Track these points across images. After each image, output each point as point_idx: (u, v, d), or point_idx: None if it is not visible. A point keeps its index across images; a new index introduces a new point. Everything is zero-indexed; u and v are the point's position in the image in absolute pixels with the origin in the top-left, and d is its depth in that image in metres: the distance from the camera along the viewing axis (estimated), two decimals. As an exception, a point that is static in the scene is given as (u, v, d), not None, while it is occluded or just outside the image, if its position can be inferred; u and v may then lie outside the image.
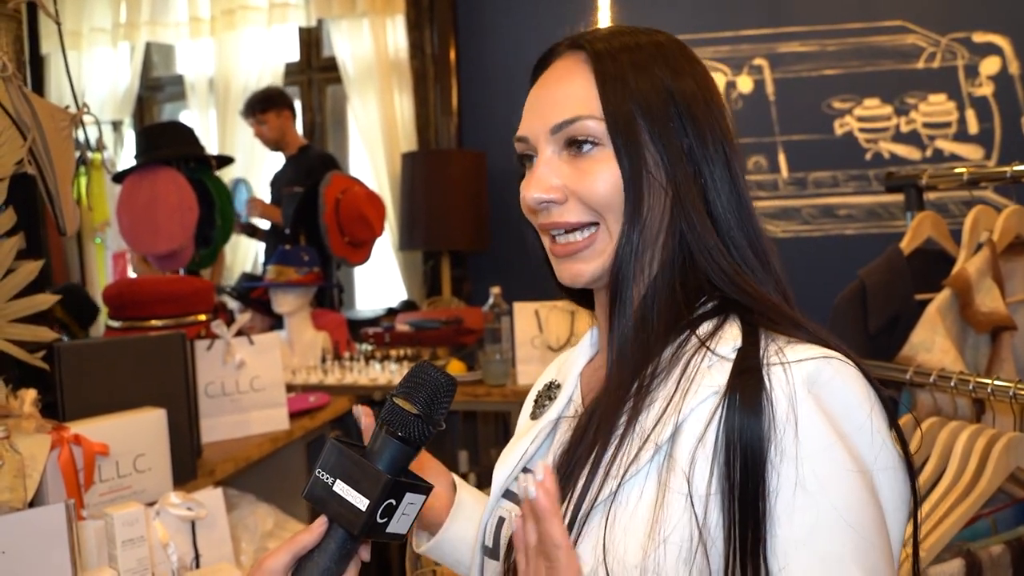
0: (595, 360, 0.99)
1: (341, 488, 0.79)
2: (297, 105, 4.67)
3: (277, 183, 4.09)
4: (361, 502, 0.78)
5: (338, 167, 4.06)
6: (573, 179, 0.84)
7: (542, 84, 0.89)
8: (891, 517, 0.75)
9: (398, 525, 0.82)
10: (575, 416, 0.91)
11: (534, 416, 0.98)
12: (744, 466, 0.73)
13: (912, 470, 0.79)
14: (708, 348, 0.80)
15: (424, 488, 0.83)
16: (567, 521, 0.78)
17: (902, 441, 0.79)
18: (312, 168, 3.91)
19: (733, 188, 0.85)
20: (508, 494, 0.95)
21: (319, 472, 0.80)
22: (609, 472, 0.78)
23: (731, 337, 0.80)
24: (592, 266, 0.86)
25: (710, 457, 0.74)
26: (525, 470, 0.94)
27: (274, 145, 4.06)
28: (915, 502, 0.78)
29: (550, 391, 0.99)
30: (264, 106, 3.99)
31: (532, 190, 0.86)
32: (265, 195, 4.23)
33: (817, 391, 0.74)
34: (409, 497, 0.81)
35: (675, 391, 0.78)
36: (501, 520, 0.94)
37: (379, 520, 0.79)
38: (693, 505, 0.74)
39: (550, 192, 0.85)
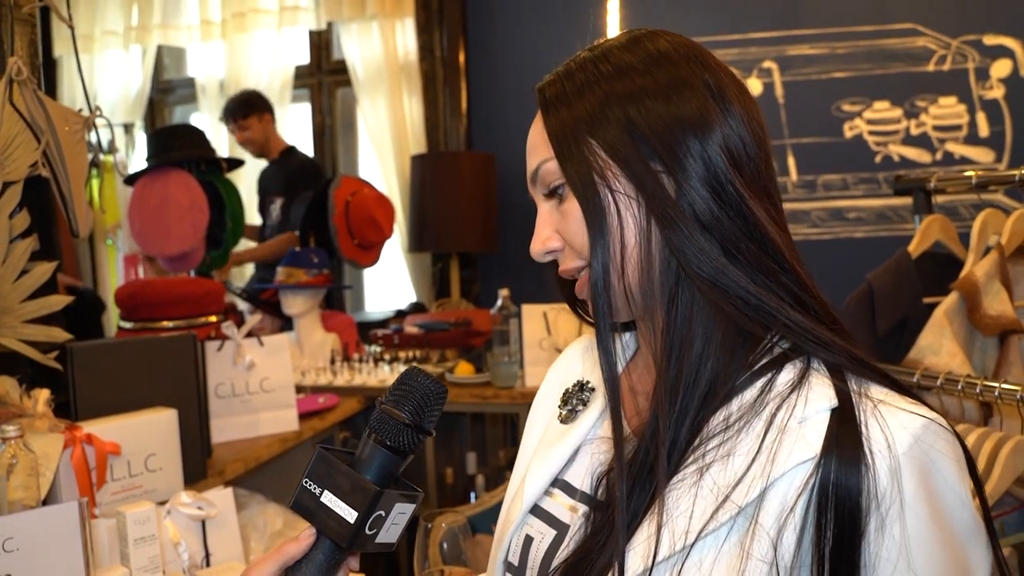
0: (637, 364, 0.92)
1: (329, 499, 0.77)
2: (307, 108, 4.70)
3: (263, 188, 4.08)
4: (349, 514, 0.76)
5: (320, 174, 4.06)
6: (561, 226, 0.83)
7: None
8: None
9: (387, 535, 0.80)
10: (608, 438, 0.85)
11: (564, 420, 0.92)
12: (839, 538, 0.69)
13: (992, 529, 0.76)
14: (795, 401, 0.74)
15: (414, 496, 0.81)
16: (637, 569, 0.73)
17: (982, 499, 0.77)
18: (293, 175, 3.89)
19: (727, 197, 0.77)
20: (535, 509, 0.89)
21: (306, 482, 0.79)
22: (676, 526, 0.73)
23: (822, 396, 0.73)
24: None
25: (799, 526, 0.70)
26: (554, 483, 0.89)
27: (259, 150, 4.01)
28: (996, 549, 0.76)
29: (582, 393, 0.93)
30: (246, 111, 3.93)
31: (532, 247, 0.85)
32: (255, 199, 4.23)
33: (919, 461, 0.70)
34: (399, 507, 0.80)
35: (759, 449, 0.72)
36: (528, 539, 0.88)
37: (368, 531, 0.78)
38: (778, 572, 0.70)
39: (546, 244, 0.84)
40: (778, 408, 0.74)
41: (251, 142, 3.98)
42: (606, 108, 0.79)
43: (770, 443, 0.72)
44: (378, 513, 0.78)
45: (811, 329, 0.76)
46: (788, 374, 0.76)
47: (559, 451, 0.90)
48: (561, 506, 0.87)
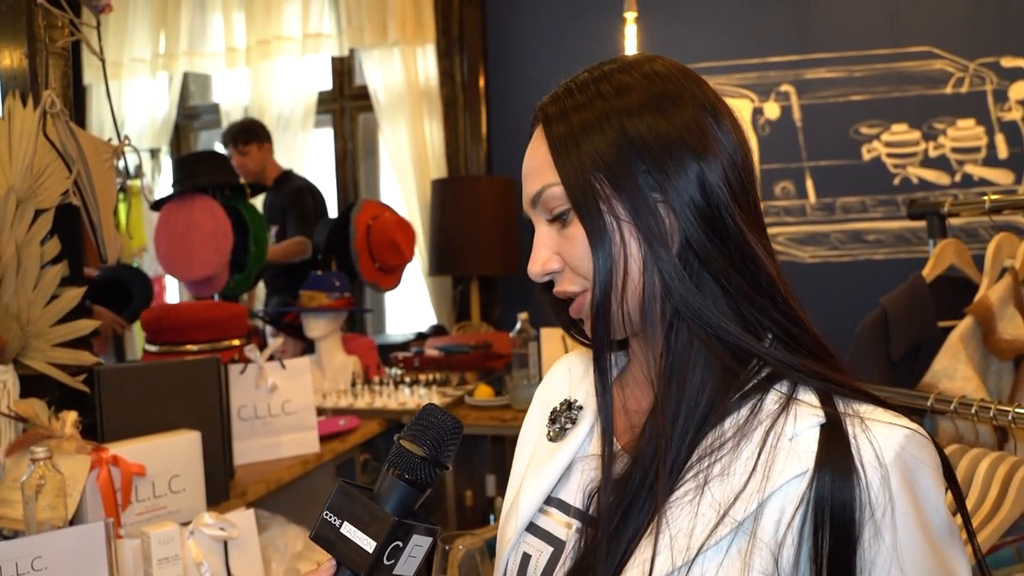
0: (625, 383, 0.93)
1: (348, 530, 0.80)
2: (329, 133, 4.76)
3: (266, 219, 4.12)
4: (368, 544, 0.79)
5: (317, 194, 4.08)
6: (563, 249, 0.84)
7: (525, 158, 0.89)
8: None
9: (405, 567, 0.82)
10: (599, 455, 0.86)
11: (553, 439, 0.94)
12: (835, 548, 0.72)
13: (966, 516, 0.81)
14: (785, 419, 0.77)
15: (431, 530, 0.83)
16: None
17: (957, 489, 0.81)
18: (286, 201, 3.93)
19: (726, 231, 0.79)
20: (531, 527, 0.92)
21: (327, 514, 0.81)
22: (676, 542, 0.75)
23: (810, 413, 0.77)
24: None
25: (796, 540, 0.73)
26: (547, 500, 0.92)
27: (254, 177, 4.04)
28: (973, 542, 0.79)
29: (570, 412, 0.96)
30: (247, 137, 4.01)
31: (530, 268, 0.86)
32: None
33: (904, 469, 0.73)
34: (416, 539, 0.81)
35: (755, 466, 0.75)
36: (526, 556, 0.91)
37: (386, 562, 0.80)
38: None
39: (546, 266, 0.85)
40: (770, 427, 0.77)
41: (246, 169, 4.01)
42: (606, 126, 0.80)
43: (764, 460, 0.75)
44: (396, 544, 0.80)
45: (796, 363, 0.79)
46: (776, 395, 0.79)
47: (550, 469, 0.92)
48: (557, 523, 0.90)
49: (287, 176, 4.11)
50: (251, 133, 4.02)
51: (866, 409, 0.77)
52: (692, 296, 0.79)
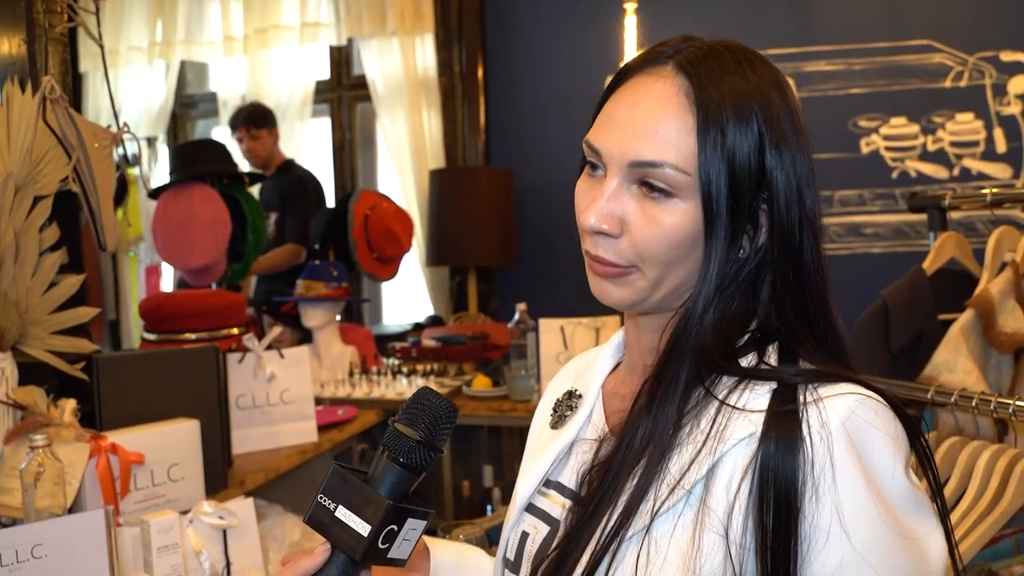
0: (619, 372, 0.97)
1: (343, 514, 0.79)
2: (327, 122, 4.75)
3: (263, 205, 4.10)
4: (363, 527, 0.78)
5: (317, 186, 4.08)
6: (636, 220, 0.80)
7: (632, 99, 0.81)
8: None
9: (399, 551, 0.82)
10: (596, 439, 0.89)
11: (554, 426, 0.97)
12: (777, 517, 0.72)
13: (941, 492, 0.79)
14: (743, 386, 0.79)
15: (425, 513, 0.83)
16: (599, 551, 0.78)
17: (930, 462, 0.80)
18: (289, 189, 3.93)
19: (806, 254, 0.82)
20: (531, 507, 0.95)
21: (321, 497, 0.81)
22: (642, 507, 0.77)
23: (767, 385, 0.78)
24: (620, 294, 0.84)
25: (744, 507, 0.74)
26: (547, 483, 0.94)
27: (262, 162, 4.04)
28: (945, 524, 0.78)
29: (570, 400, 0.97)
30: (260, 122, 4.01)
31: (591, 215, 0.81)
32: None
33: (852, 432, 0.73)
34: (411, 523, 0.82)
35: (709, 433, 0.76)
36: (524, 535, 0.93)
37: (381, 545, 0.79)
38: (731, 556, 0.73)
39: (608, 223, 0.80)
40: (726, 397, 0.78)
41: (256, 154, 4.02)
42: (756, 168, 0.79)
43: (718, 426, 0.77)
44: (391, 528, 0.80)
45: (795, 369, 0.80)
46: (743, 364, 0.81)
47: (548, 452, 0.94)
48: (553, 504, 0.92)
49: (290, 165, 4.10)
50: (263, 118, 4.03)
51: (831, 385, 0.77)
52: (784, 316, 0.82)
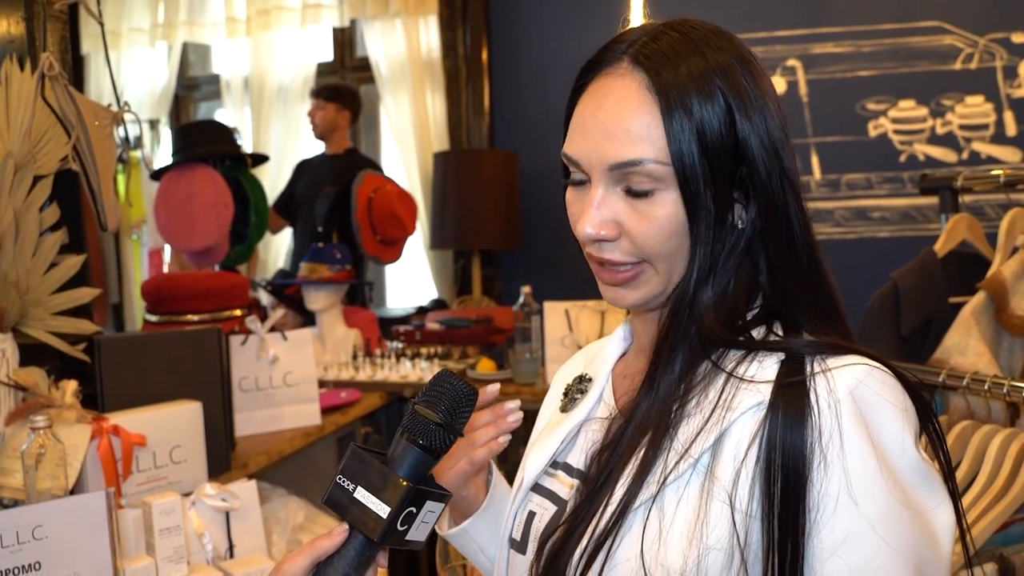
0: (627, 356, 0.97)
1: (362, 495, 0.79)
2: (330, 104, 4.72)
3: (311, 178, 4.07)
4: (382, 509, 0.78)
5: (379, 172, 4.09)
6: (629, 219, 0.81)
7: (597, 104, 0.81)
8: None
9: (417, 532, 0.82)
10: (607, 418, 0.90)
11: (564, 409, 0.98)
12: (785, 486, 0.72)
13: (952, 475, 0.79)
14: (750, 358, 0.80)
15: (443, 496, 0.83)
16: (606, 521, 0.78)
17: (941, 441, 0.80)
18: (352, 172, 3.93)
19: (794, 224, 0.82)
20: (537, 488, 0.95)
21: (340, 478, 0.80)
22: (648, 478, 0.78)
23: (775, 356, 0.79)
24: (636, 294, 0.85)
25: (751, 475, 0.74)
26: (555, 464, 0.95)
27: (319, 134, 4.08)
28: (956, 503, 0.77)
29: (581, 384, 0.98)
30: (330, 95, 4.05)
31: (586, 225, 0.81)
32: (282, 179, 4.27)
33: (860, 401, 0.73)
34: (429, 505, 0.81)
35: (717, 403, 0.77)
36: (531, 514, 0.94)
37: (399, 527, 0.79)
38: (735, 524, 0.73)
39: (604, 229, 0.81)
40: (734, 369, 0.79)
41: (315, 121, 4.06)
42: (729, 143, 0.79)
43: (726, 396, 0.77)
44: (409, 509, 0.79)
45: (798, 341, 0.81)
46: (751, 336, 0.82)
47: (557, 434, 0.95)
48: (561, 484, 0.93)
49: (355, 151, 4.16)
50: (337, 94, 4.07)
51: (839, 356, 0.77)
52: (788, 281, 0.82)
